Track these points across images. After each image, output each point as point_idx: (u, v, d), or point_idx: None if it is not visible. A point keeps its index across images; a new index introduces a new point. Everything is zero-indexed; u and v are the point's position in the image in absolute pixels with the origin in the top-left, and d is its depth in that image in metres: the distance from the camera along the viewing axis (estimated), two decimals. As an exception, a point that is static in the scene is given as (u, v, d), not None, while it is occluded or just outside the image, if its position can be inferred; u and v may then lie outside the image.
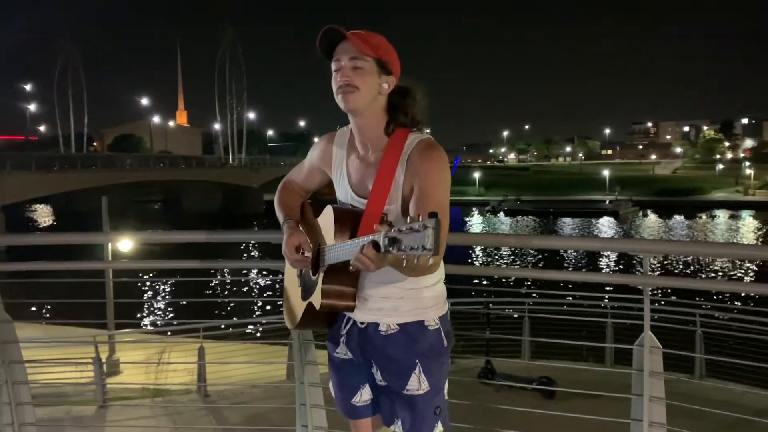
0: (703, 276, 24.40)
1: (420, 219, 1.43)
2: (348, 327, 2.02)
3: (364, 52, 1.86)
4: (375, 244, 1.56)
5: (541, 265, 27.75)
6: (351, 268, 1.66)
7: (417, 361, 1.92)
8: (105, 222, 11.65)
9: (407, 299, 1.92)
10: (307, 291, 2.01)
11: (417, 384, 1.92)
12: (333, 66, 1.91)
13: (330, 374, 2.14)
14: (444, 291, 2.02)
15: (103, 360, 7.53)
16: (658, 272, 25.40)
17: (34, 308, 15.29)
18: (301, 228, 2.08)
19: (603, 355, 7.99)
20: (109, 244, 8.48)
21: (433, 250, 1.38)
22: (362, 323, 1.98)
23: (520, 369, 7.52)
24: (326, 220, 1.98)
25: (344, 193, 2.02)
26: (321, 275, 1.90)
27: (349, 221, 1.89)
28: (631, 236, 42.61)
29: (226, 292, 21.69)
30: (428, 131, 2.01)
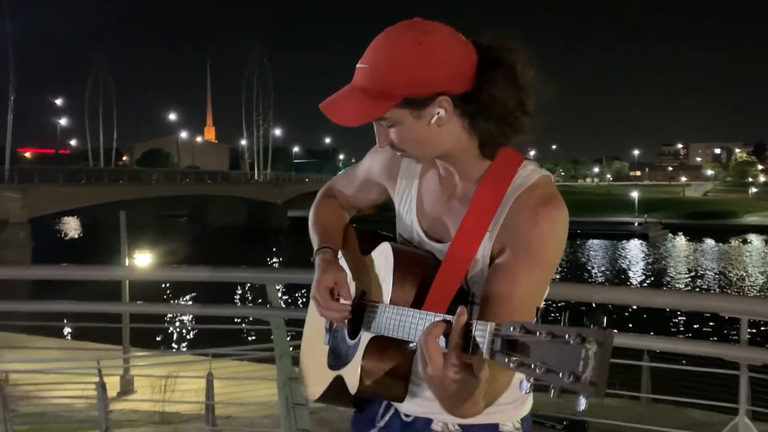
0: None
1: (564, 323, 0.85)
2: (388, 417, 1.44)
3: (376, 116, 1.23)
4: (465, 336, 0.98)
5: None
6: (411, 345, 1.13)
7: None
8: (123, 240, 11.45)
9: None
10: (338, 357, 1.42)
11: None
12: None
13: None
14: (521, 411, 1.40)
15: (108, 383, 7.24)
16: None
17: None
18: (341, 262, 1.48)
19: (638, 388, 7.44)
20: (127, 281, 8.11)
21: (597, 388, 0.79)
22: (408, 415, 1.40)
23: (548, 405, 7.03)
24: (382, 261, 1.35)
25: (408, 227, 1.43)
26: (363, 344, 1.31)
27: (418, 271, 1.29)
28: (661, 259, 41.58)
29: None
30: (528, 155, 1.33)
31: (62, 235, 60.30)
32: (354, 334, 1.37)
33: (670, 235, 56.77)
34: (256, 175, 73.91)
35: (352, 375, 1.32)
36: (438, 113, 1.21)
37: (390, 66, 1.19)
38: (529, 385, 0.84)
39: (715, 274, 35.33)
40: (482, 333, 0.94)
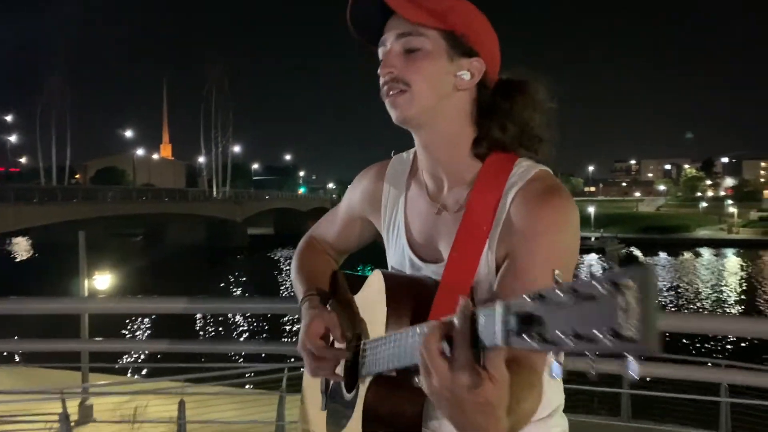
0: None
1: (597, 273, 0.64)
2: None
3: (420, 22, 1.13)
4: (466, 324, 0.79)
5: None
6: (417, 380, 0.88)
7: None
8: (82, 262, 11.04)
9: None
10: (336, 420, 1.24)
11: None
12: (379, 53, 1.20)
13: None
14: (565, 421, 1.23)
15: (72, 414, 6.91)
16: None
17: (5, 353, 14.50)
18: (330, 309, 1.32)
19: (618, 407, 7.46)
20: (86, 314, 7.69)
21: (648, 339, 0.58)
22: None
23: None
24: (372, 295, 1.19)
25: (399, 254, 1.29)
26: (362, 392, 1.13)
27: (414, 297, 1.13)
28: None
29: (211, 332, 20.94)
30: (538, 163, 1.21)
31: (12, 256, 58.19)
32: (351, 385, 1.20)
33: (626, 249, 58.04)
34: (214, 193, 72.87)
35: (354, 427, 1.14)
36: (464, 75, 1.16)
37: (453, 1, 1.17)
38: (561, 366, 0.67)
39: (675, 287, 36.13)
40: (490, 318, 0.75)
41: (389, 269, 1.33)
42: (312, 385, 1.39)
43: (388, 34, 1.16)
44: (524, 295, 0.70)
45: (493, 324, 0.74)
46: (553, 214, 1.09)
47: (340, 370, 1.23)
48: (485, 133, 1.18)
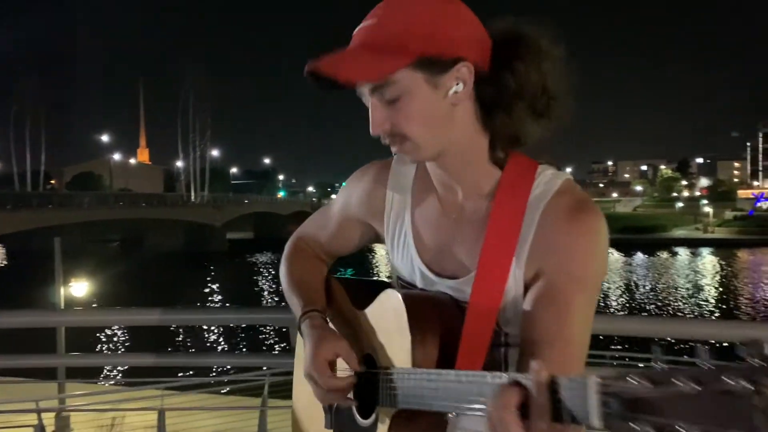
0: None
1: (705, 361, 0.60)
2: None
3: (380, 76, 1.00)
4: (546, 397, 0.73)
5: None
6: (450, 415, 0.88)
7: None
8: (58, 269, 10.85)
9: None
10: None
11: None
12: (363, 101, 1.08)
13: None
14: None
15: (48, 426, 6.75)
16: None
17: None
18: (332, 326, 1.21)
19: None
20: (63, 328, 7.53)
21: None
22: None
23: None
24: (389, 314, 1.09)
25: (407, 266, 1.19)
26: (385, 423, 1.07)
27: (439, 320, 1.05)
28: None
29: (190, 338, 20.69)
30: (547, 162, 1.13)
31: (-14, 264, 57.09)
32: (366, 411, 1.13)
33: (605, 249, 58.51)
34: (192, 197, 72.21)
35: None
36: (456, 84, 1.02)
37: (406, 15, 1.00)
38: None
39: (654, 287, 36.49)
40: (578, 392, 0.69)
41: (394, 281, 1.24)
42: (306, 398, 1.27)
43: (362, 88, 1.05)
44: (628, 377, 0.64)
45: (583, 400, 0.68)
46: (588, 236, 1.02)
47: (350, 393, 1.15)
48: (497, 134, 1.08)
